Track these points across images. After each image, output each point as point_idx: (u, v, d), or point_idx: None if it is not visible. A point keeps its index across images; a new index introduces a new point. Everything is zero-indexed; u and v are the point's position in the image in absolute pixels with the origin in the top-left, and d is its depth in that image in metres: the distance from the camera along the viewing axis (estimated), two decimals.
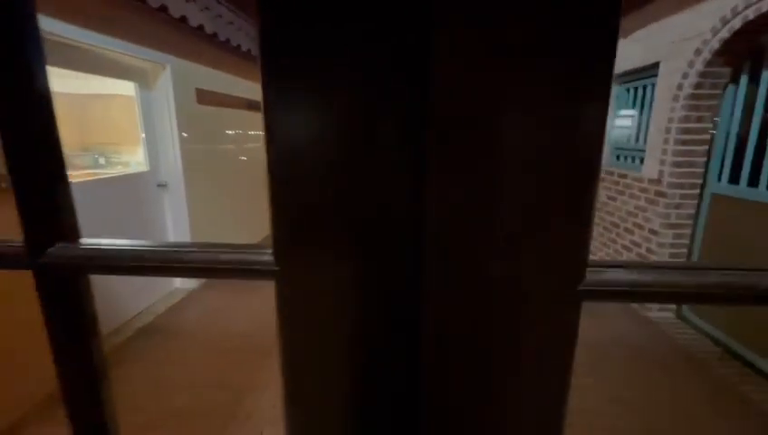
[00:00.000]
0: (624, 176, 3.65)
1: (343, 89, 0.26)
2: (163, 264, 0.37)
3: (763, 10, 2.28)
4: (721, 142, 2.87)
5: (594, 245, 4.14)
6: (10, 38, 0.31)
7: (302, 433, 0.35)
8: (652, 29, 3.28)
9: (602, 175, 4.05)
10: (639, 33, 3.46)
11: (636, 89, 3.69)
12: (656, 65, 3.25)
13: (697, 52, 2.77)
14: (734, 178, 2.75)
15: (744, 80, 2.69)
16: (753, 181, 2.58)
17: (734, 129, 2.76)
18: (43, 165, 0.34)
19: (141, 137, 3.31)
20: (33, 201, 0.35)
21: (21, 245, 0.36)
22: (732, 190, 2.75)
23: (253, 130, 5.08)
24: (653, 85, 3.39)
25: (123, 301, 3.05)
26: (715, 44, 2.62)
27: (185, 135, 3.53)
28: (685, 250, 3.12)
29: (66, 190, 0.36)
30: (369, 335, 0.31)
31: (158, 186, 3.51)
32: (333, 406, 0.34)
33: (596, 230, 4.12)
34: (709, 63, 2.71)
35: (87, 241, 0.37)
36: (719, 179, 2.87)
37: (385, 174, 0.27)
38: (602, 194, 4.02)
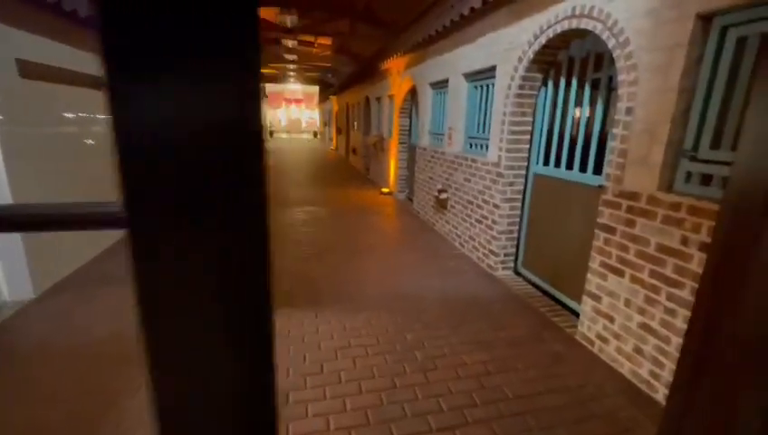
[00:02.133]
0: (475, 161, 4.33)
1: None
2: (16, 219, 0.43)
3: (558, 32, 2.98)
4: (537, 133, 3.65)
5: (455, 220, 4.82)
6: None
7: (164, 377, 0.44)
8: (491, 37, 3.93)
9: (460, 160, 4.72)
10: (482, 40, 4.11)
11: (482, 87, 4.38)
12: (494, 68, 3.92)
13: (519, 59, 3.45)
14: (546, 162, 3.55)
15: (550, 85, 3.46)
16: (557, 163, 3.39)
17: (545, 124, 3.54)
18: None
19: None
20: None
21: None
22: (544, 170, 3.54)
23: (100, 112, 4.40)
24: (492, 84, 4.08)
25: None
26: (531, 55, 3.31)
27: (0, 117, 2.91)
28: (518, 218, 3.90)
29: None
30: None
31: None
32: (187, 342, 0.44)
33: (456, 208, 4.80)
34: (527, 69, 3.41)
35: None
36: (537, 162, 3.66)
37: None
38: (461, 177, 4.69)
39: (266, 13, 10.73)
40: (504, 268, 4.01)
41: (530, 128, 3.70)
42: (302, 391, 2.20)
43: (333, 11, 10.37)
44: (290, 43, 13.74)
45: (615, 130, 2.43)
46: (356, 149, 13.08)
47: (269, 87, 32.04)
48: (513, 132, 3.68)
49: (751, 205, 0.79)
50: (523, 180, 3.81)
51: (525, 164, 3.78)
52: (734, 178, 0.81)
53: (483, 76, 4.29)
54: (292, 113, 37.63)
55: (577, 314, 3.05)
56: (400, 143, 7.76)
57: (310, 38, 14.92)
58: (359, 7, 9.38)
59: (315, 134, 34.20)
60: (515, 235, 3.95)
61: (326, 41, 15.72)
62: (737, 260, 0.84)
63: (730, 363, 0.91)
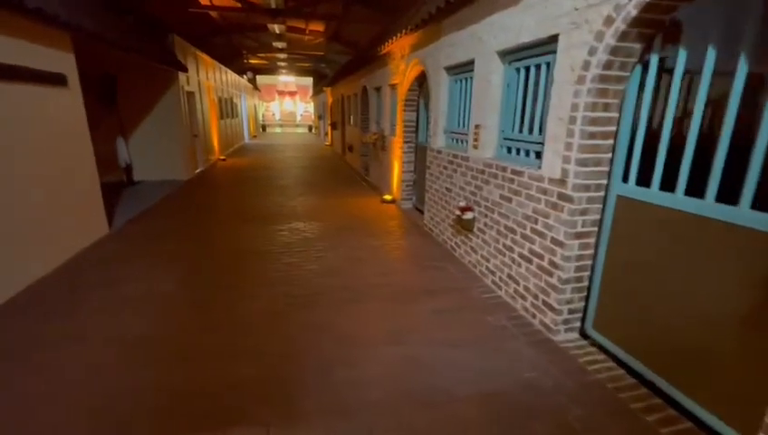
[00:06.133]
0: (519, 173, 3.08)
1: None
2: None
3: None
4: (626, 136, 2.41)
5: (487, 249, 3.59)
6: None
7: None
8: None
9: (493, 171, 3.47)
10: (533, 0, 2.84)
11: (528, 68, 3.12)
12: (554, 39, 2.66)
13: (608, 21, 2.19)
14: (644, 180, 2.30)
15: (654, 60, 2.21)
16: (667, 185, 2.14)
17: (644, 121, 2.29)
18: None
19: None
20: None
21: None
22: (641, 194, 2.30)
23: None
24: (548, 64, 2.82)
25: None
26: (632, 11, 2.05)
27: None
28: (590, 261, 2.67)
29: None
30: None
31: None
32: None
33: (488, 234, 3.57)
34: (622, 37, 2.15)
35: None
36: (626, 179, 2.42)
37: None
38: (495, 192, 3.45)
39: None
40: (566, 329, 2.79)
41: (615, 128, 2.45)
42: None
43: None
44: (277, 28, 12.39)
45: None
46: (352, 147, 11.79)
47: (261, 79, 30.49)
48: (590, 135, 2.43)
49: None
50: (600, 206, 2.57)
51: (605, 182, 2.54)
52: None
53: (532, 53, 3.02)
54: (286, 106, 36.08)
55: (702, 424, 1.84)
56: (405, 142, 6.49)
57: (300, 24, 13.55)
58: None
59: (310, 128, 32.69)
60: (585, 283, 2.72)
61: (318, 27, 14.35)
62: None
63: None
